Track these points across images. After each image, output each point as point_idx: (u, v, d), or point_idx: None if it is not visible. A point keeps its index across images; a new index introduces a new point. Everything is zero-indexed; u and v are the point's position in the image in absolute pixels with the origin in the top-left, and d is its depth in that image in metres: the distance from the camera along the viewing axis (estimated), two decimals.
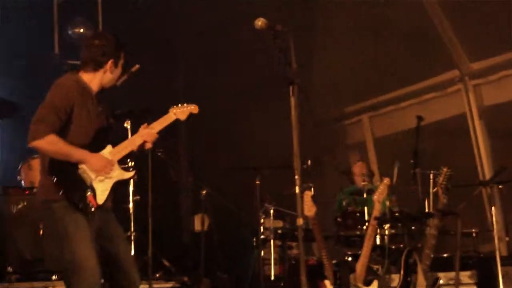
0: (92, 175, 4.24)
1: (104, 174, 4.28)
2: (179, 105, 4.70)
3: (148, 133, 4.50)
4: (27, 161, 6.47)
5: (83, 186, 4.21)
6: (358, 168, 7.77)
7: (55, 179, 4.16)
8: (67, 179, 4.19)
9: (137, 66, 5.40)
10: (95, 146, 4.32)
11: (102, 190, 4.28)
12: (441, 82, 8.60)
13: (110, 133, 4.52)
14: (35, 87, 5.23)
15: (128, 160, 4.50)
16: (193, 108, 4.72)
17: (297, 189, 3.99)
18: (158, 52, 8.96)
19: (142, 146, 4.52)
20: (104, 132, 4.42)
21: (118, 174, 4.38)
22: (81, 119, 4.27)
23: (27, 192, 6.25)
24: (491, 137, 8.35)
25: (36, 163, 6.27)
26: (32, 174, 6.39)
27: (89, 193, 4.20)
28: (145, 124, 4.58)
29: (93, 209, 4.21)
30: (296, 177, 3.97)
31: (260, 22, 4.01)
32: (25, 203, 6.19)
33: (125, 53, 4.56)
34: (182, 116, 4.67)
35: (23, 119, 4.45)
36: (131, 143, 4.49)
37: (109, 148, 4.37)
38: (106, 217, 4.39)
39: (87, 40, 4.61)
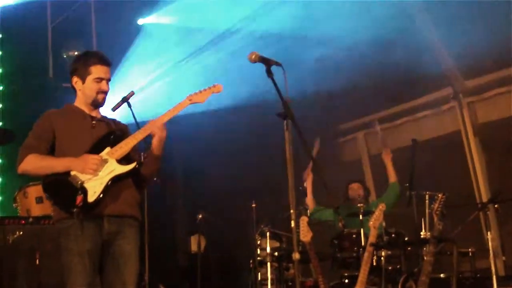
0: (83, 177, 4.15)
1: (90, 172, 4.13)
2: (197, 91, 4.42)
3: (152, 125, 4.31)
4: (23, 188, 6.37)
5: (73, 190, 4.08)
6: (354, 189, 7.74)
7: (49, 195, 4.24)
8: (60, 189, 4.17)
9: (132, 92, 5.38)
10: (96, 153, 4.26)
11: (93, 187, 4.11)
12: (435, 99, 8.62)
13: (117, 140, 4.33)
14: (30, 112, 5.18)
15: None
16: (215, 88, 4.43)
17: (292, 224, 3.97)
18: None
19: (149, 140, 4.33)
20: (104, 141, 4.31)
21: (114, 168, 4.21)
22: (71, 135, 4.32)
23: (23, 221, 6.21)
24: (485, 154, 8.36)
25: (31, 191, 6.24)
26: (28, 201, 6.30)
27: (79, 194, 4.04)
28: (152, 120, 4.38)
29: (77, 209, 3.99)
30: (292, 211, 3.94)
31: (253, 56, 4.00)
32: (21, 233, 6.16)
33: (95, 64, 4.37)
34: (201, 99, 4.40)
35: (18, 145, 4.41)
36: (133, 138, 4.32)
37: (107, 149, 4.28)
38: (117, 229, 4.19)
39: None
